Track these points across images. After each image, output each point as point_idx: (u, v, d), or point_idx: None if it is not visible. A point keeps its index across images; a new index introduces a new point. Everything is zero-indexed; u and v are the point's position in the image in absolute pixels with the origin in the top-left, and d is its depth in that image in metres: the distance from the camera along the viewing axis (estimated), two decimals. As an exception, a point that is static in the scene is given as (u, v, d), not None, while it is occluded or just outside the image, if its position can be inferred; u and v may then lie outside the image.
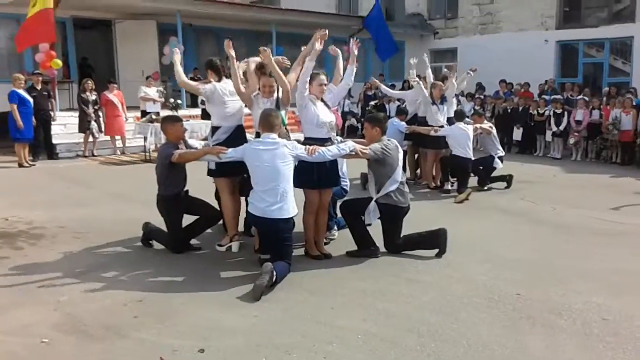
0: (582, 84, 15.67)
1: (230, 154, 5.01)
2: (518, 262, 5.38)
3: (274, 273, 4.47)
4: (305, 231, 5.43)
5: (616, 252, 5.75)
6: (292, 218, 4.84)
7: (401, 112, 9.19)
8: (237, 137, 5.48)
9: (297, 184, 5.10)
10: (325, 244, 5.68)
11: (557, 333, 3.86)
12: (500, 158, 9.08)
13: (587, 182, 10.04)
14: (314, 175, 5.18)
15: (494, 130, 9.25)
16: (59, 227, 6.40)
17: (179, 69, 5.73)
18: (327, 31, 5.25)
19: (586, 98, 13.47)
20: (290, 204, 4.78)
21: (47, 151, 11.96)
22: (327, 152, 4.95)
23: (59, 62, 12.42)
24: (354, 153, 5.14)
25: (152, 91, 12.89)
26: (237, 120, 5.61)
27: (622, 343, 3.71)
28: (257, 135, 5.30)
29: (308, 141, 5.21)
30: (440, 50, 21.78)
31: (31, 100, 11.05)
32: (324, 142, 5.20)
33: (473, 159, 8.62)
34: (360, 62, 19.04)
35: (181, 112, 11.04)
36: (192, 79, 15.41)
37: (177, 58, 5.80)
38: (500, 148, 9.31)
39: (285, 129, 5.42)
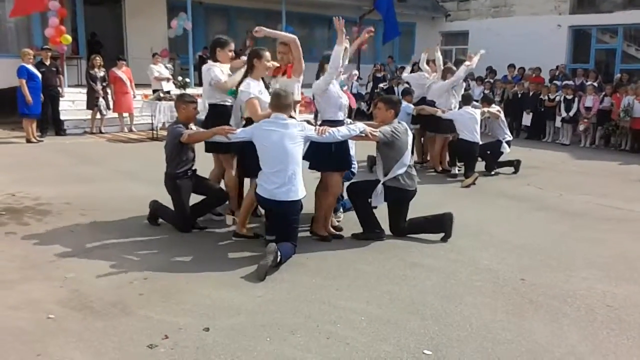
0: (596, 70, 15.47)
1: (240, 134, 4.98)
2: (523, 247, 5.37)
3: (279, 253, 4.48)
4: (317, 210, 5.42)
5: (622, 239, 5.72)
6: (300, 200, 4.83)
7: (407, 93, 9.08)
8: (209, 116, 5.63)
9: (313, 165, 5.21)
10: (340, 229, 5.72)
11: (560, 319, 3.86)
12: (508, 142, 9.02)
13: (595, 169, 9.97)
14: (331, 157, 5.15)
15: (502, 115, 9.18)
16: (65, 204, 6.43)
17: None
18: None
19: (595, 84, 13.33)
20: (298, 185, 4.76)
21: (55, 127, 11.98)
22: (337, 133, 4.93)
23: (69, 37, 12.40)
24: (364, 135, 5.11)
25: (162, 69, 12.86)
26: (209, 100, 5.71)
27: (625, 330, 3.71)
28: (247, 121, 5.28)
29: (326, 123, 5.19)
30: (452, 33, 21.58)
31: (40, 75, 11.04)
32: (341, 124, 5.22)
33: (481, 143, 8.57)
34: (370, 44, 18.93)
35: (189, 91, 11.01)
36: (200, 57, 15.50)
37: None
38: (508, 132, 9.25)
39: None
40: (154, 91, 12.51)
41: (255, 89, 5.19)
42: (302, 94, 5.64)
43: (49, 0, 11.86)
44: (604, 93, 12.83)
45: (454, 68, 9.00)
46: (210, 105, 5.66)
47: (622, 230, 6.08)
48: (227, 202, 5.90)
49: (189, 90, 10.80)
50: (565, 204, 7.19)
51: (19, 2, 11.82)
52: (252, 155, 4.95)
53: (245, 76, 5.29)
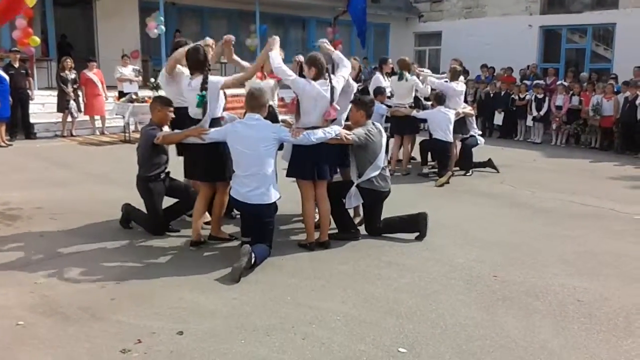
0: (574, 70, 15.70)
1: (213, 134, 4.93)
2: (497, 244, 5.44)
3: (253, 255, 4.46)
4: (322, 218, 5.25)
5: (593, 235, 5.83)
6: (274, 202, 4.80)
7: (379, 93, 8.92)
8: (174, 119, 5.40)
9: (292, 173, 5.12)
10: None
11: (533, 314, 3.91)
12: (479, 135, 9.24)
13: (566, 167, 10.15)
14: (311, 166, 5.03)
15: (474, 112, 9.36)
16: (35, 208, 6.31)
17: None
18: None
19: (565, 83, 13.58)
20: (272, 188, 4.73)
21: (25, 131, 11.73)
22: (312, 135, 4.87)
23: (37, 39, 12.12)
24: (338, 137, 5.08)
25: (128, 70, 12.68)
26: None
27: (596, 324, 3.78)
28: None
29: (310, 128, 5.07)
30: (425, 33, 21.75)
31: (7, 78, 10.81)
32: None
33: (452, 141, 8.63)
34: (345, 44, 19.00)
35: (162, 92, 10.88)
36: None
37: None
38: (476, 127, 9.43)
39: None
40: (120, 92, 12.36)
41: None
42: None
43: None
44: (572, 92, 13.05)
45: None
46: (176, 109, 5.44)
47: (592, 226, 6.20)
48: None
49: (161, 92, 10.68)
50: (537, 201, 7.30)
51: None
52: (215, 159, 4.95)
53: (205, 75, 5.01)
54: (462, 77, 9.18)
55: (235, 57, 5.82)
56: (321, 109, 5.04)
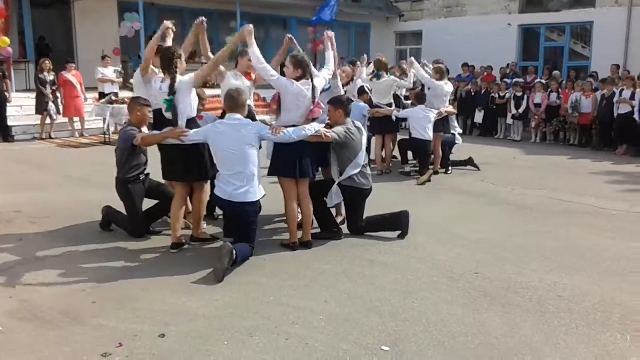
0: (550, 67, 15.88)
1: (193, 136, 4.88)
2: (478, 242, 5.48)
3: (234, 252, 4.44)
4: (288, 222, 5.26)
5: (572, 231, 5.91)
6: (258, 201, 4.80)
7: (362, 92, 8.94)
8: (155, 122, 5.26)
9: (274, 171, 5.10)
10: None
11: (514, 310, 3.95)
12: (460, 134, 9.34)
13: (546, 164, 10.26)
14: (294, 164, 5.02)
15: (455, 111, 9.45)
16: (14, 212, 6.22)
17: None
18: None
19: (543, 81, 13.74)
20: (256, 187, 4.73)
21: (2, 133, 11.55)
22: (292, 133, 4.90)
23: (6, 39, 11.98)
24: (319, 134, 5.09)
25: (109, 71, 12.59)
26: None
27: (575, 319, 3.83)
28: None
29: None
30: (406, 32, 21.87)
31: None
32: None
33: (431, 140, 8.65)
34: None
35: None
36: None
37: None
38: (457, 126, 9.52)
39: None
40: (100, 94, 12.26)
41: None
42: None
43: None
44: (550, 90, 13.19)
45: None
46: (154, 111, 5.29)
47: (572, 222, 6.28)
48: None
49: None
50: (518, 198, 7.38)
51: None
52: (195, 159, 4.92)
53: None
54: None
55: (208, 46, 5.71)
56: (303, 107, 5.06)
